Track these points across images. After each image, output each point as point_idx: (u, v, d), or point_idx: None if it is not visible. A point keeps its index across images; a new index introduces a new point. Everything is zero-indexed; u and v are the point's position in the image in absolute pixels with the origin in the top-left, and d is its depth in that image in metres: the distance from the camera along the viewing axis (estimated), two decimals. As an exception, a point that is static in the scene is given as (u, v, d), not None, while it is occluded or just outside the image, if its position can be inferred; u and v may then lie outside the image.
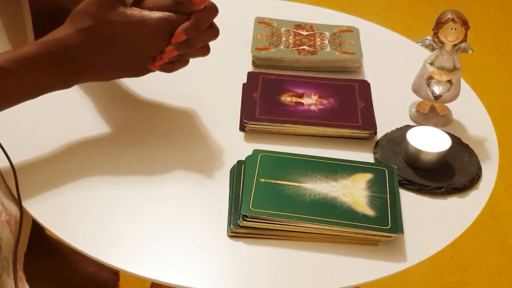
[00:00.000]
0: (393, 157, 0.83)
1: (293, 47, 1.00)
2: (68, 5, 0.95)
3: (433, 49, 0.88)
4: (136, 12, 0.74)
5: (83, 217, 0.74)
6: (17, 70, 0.71)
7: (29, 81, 0.72)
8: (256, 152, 0.80)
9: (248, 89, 0.92)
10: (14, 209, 0.74)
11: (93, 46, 0.73)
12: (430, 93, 0.87)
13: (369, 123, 0.87)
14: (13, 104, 0.74)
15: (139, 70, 0.78)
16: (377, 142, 0.85)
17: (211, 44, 0.80)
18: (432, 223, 0.76)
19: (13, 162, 0.74)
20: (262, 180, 0.76)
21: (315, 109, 0.89)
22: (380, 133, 0.86)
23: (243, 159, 0.80)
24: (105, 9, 0.73)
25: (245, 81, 0.94)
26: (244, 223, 0.71)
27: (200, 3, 0.75)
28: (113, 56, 0.74)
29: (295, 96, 0.91)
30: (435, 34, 0.86)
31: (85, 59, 0.74)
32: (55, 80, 0.74)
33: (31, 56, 0.72)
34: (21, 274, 0.76)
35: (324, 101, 0.90)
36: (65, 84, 0.75)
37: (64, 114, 0.86)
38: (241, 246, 0.71)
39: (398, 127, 0.88)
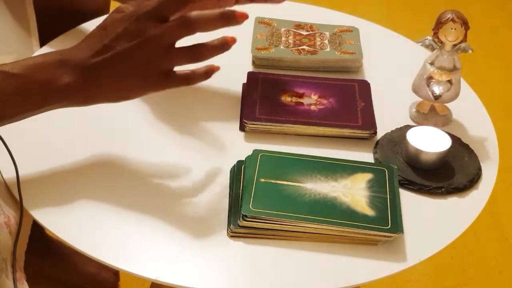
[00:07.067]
0: (393, 157, 0.83)
1: (293, 47, 1.00)
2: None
3: (433, 49, 0.88)
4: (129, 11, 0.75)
5: (83, 217, 0.74)
6: (21, 74, 0.72)
7: (33, 83, 0.72)
8: (256, 152, 0.80)
9: (248, 89, 0.92)
10: (13, 211, 0.74)
11: (90, 48, 0.74)
12: (430, 93, 0.87)
13: (369, 123, 0.87)
14: (18, 113, 0.74)
15: (149, 71, 0.75)
16: (377, 142, 0.85)
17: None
18: (432, 223, 0.76)
19: (16, 163, 0.75)
20: (262, 180, 0.76)
21: (315, 109, 0.89)
22: (380, 133, 0.86)
23: (243, 159, 0.80)
24: (105, 19, 0.75)
25: (245, 81, 0.94)
26: (244, 223, 0.71)
27: None
28: (111, 56, 0.73)
29: (295, 96, 0.91)
30: (435, 34, 0.86)
31: (86, 62, 0.73)
32: (57, 82, 0.73)
33: (34, 62, 0.73)
34: (20, 273, 0.76)
35: (324, 101, 0.90)
36: (70, 90, 0.74)
37: (64, 117, 0.86)
38: (241, 246, 0.71)
39: (398, 127, 0.88)
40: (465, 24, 0.84)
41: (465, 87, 0.94)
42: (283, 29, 1.04)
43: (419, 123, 0.89)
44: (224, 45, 0.75)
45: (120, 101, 0.77)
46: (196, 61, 0.75)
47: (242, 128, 0.87)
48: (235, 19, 0.75)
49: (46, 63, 0.73)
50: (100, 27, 0.74)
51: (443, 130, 0.83)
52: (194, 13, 0.74)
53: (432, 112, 0.90)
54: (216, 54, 0.75)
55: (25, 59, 0.74)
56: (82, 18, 1.04)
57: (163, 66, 0.74)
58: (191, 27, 0.73)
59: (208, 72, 0.76)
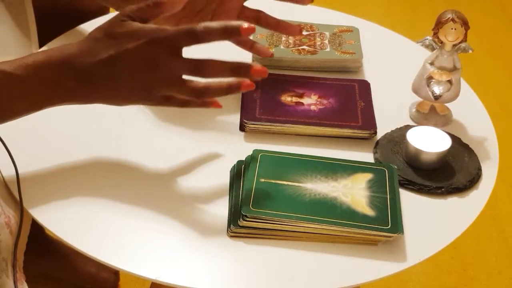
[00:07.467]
0: (393, 157, 0.83)
1: (293, 47, 1.00)
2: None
3: (433, 49, 0.88)
4: (142, 25, 0.73)
5: (83, 217, 0.74)
6: (24, 76, 0.71)
7: (35, 87, 0.72)
8: (256, 152, 0.80)
9: (248, 89, 0.92)
10: (12, 211, 0.74)
11: (96, 55, 0.72)
12: (430, 93, 0.87)
13: (369, 123, 0.87)
14: (19, 113, 0.74)
15: (148, 93, 0.74)
16: (377, 142, 0.85)
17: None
18: (432, 223, 0.76)
19: (15, 163, 0.75)
20: (262, 180, 0.76)
21: (315, 109, 0.89)
22: (380, 133, 0.86)
23: (243, 159, 0.80)
24: (114, 25, 0.73)
25: (245, 81, 0.94)
26: (244, 223, 0.71)
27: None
28: (114, 70, 0.73)
29: (295, 96, 0.91)
30: (435, 34, 0.86)
31: (89, 69, 0.72)
32: (61, 87, 0.73)
33: (37, 63, 0.72)
34: (20, 274, 0.76)
35: (324, 101, 0.90)
36: (71, 93, 0.74)
37: (64, 117, 0.86)
38: (241, 246, 0.71)
39: (398, 127, 0.88)
40: (465, 24, 0.84)
41: (465, 87, 0.94)
42: (283, 29, 1.04)
43: (419, 123, 0.89)
44: (231, 89, 0.73)
45: (119, 106, 0.77)
46: (197, 98, 0.75)
47: (242, 128, 0.87)
48: (247, 74, 0.72)
49: (49, 63, 0.72)
50: (108, 35, 0.72)
51: (443, 130, 0.83)
52: (210, 70, 0.72)
53: (432, 112, 0.90)
54: (221, 96, 0.74)
55: (25, 58, 0.72)
56: (81, 19, 1.04)
57: (166, 93, 0.74)
58: (203, 72, 0.72)
59: (204, 105, 0.76)
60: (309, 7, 1.15)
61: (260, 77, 0.72)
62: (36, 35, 1.00)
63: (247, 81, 0.73)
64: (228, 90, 0.73)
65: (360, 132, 0.86)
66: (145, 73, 0.72)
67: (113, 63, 0.72)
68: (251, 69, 0.71)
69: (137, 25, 0.72)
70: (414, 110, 0.91)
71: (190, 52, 0.72)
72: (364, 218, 0.72)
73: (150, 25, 0.72)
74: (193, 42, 0.72)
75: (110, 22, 0.73)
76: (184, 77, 0.73)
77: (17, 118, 0.74)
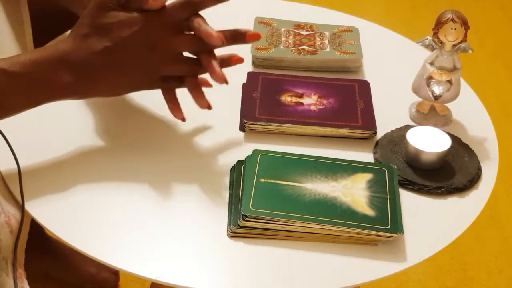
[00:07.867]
0: (393, 157, 0.83)
1: (293, 47, 1.00)
2: (66, 4, 0.95)
3: (433, 49, 0.88)
4: (131, 12, 0.73)
5: (83, 217, 0.74)
6: (22, 73, 0.71)
7: (32, 84, 0.72)
8: (256, 152, 0.80)
9: (248, 89, 0.92)
10: (12, 210, 0.74)
11: (91, 49, 0.72)
12: (430, 93, 0.87)
13: (369, 123, 0.87)
14: (17, 109, 0.74)
15: (149, 76, 0.76)
16: (377, 142, 0.85)
17: None
18: (432, 223, 0.76)
19: (19, 162, 0.75)
20: (262, 180, 0.76)
21: (315, 109, 0.89)
22: (380, 133, 0.86)
23: (243, 159, 0.80)
24: (97, 17, 0.73)
25: (245, 81, 0.94)
26: (244, 223, 0.71)
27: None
28: (113, 59, 0.73)
29: (295, 96, 0.91)
30: (435, 34, 0.86)
31: (87, 63, 0.73)
32: (57, 83, 0.73)
33: (33, 60, 0.72)
34: (20, 271, 0.76)
35: (324, 101, 0.90)
36: (69, 90, 0.74)
37: (65, 115, 0.86)
38: (241, 246, 0.71)
39: (398, 127, 0.88)
40: (465, 24, 0.84)
41: (465, 87, 0.94)
42: (283, 29, 1.04)
43: (419, 123, 0.89)
44: (223, 63, 0.77)
45: (116, 96, 0.78)
46: (194, 74, 0.76)
47: (242, 128, 0.87)
48: (244, 38, 0.77)
49: (45, 61, 0.72)
50: (96, 27, 0.72)
51: (443, 130, 0.83)
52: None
53: (432, 112, 0.90)
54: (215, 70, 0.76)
55: (20, 55, 0.72)
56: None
57: (165, 73, 0.74)
58: (202, 43, 0.73)
59: (197, 86, 0.79)
60: (309, 7, 1.16)
61: (255, 39, 0.78)
62: (31, 37, 1.00)
63: (236, 55, 0.80)
64: (220, 64, 0.77)
65: (360, 132, 0.86)
66: (145, 57, 0.72)
67: (109, 54, 0.72)
68: (246, 34, 0.77)
69: (124, 13, 0.72)
70: (414, 110, 0.91)
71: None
72: (364, 218, 0.72)
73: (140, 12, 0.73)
74: (190, 12, 0.72)
75: (91, 16, 0.73)
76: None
77: (15, 115, 0.74)
